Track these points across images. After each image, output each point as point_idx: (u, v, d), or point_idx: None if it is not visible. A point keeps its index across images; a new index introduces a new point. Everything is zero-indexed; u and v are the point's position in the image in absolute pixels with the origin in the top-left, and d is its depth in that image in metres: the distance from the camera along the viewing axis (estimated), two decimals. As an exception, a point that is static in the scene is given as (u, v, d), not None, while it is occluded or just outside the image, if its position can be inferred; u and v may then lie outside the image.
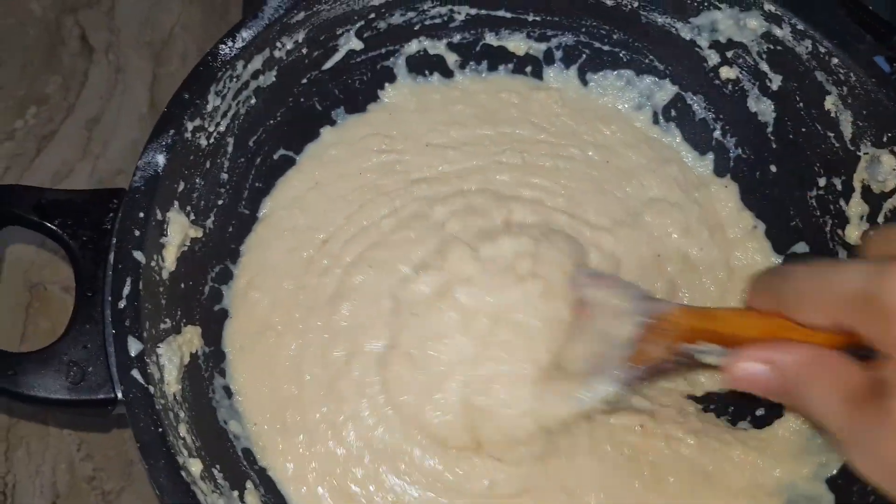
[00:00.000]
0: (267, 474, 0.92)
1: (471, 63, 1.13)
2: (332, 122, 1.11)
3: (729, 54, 1.05)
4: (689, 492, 0.94)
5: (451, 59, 1.12)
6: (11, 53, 1.46)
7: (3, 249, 1.28)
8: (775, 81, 1.02)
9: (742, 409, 1.02)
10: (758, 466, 0.95)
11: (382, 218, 1.05)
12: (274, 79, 0.99)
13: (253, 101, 0.97)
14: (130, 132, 1.42)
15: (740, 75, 1.05)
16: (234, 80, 0.93)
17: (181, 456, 0.78)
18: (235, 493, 0.86)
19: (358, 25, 1.03)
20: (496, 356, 0.92)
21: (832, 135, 0.98)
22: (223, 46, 0.92)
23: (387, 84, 1.12)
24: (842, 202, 0.99)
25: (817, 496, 0.92)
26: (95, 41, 1.49)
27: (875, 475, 0.65)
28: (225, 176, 0.98)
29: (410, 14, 1.05)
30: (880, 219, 0.95)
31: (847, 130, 0.96)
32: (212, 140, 0.93)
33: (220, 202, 0.98)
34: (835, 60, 0.94)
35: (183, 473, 0.77)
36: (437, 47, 1.11)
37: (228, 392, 0.95)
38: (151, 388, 0.79)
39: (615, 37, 1.09)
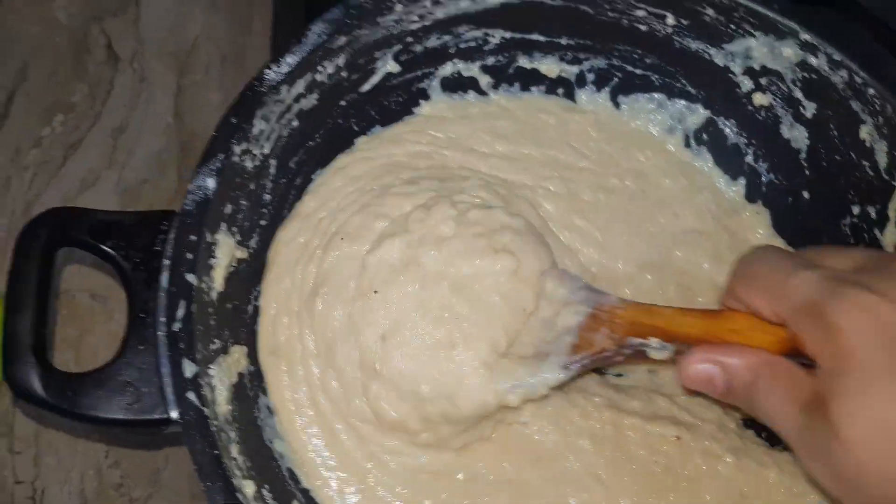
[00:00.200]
0: (310, 495, 0.93)
1: (503, 84, 1.14)
2: (366, 136, 1.11)
3: (763, 81, 1.06)
4: None
5: (485, 80, 1.13)
6: (38, 62, 1.47)
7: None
8: (809, 109, 1.03)
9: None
10: (792, 492, 0.96)
11: (396, 184, 1.04)
12: (315, 101, 1.00)
13: (295, 123, 0.99)
14: (155, 141, 1.43)
15: (774, 102, 1.06)
16: (279, 103, 0.95)
17: (236, 478, 0.80)
18: (283, 514, 0.88)
19: (395, 49, 1.04)
20: (450, 331, 0.91)
21: (867, 164, 0.99)
22: (268, 71, 0.93)
23: (422, 101, 1.13)
24: (876, 231, 1.00)
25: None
26: (121, 50, 1.50)
27: (825, 481, 0.69)
28: (268, 197, 0.99)
29: (446, 37, 1.06)
30: (915, 249, 0.97)
31: (882, 160, 0.97)
32: (257, 162, 0.95)
33: (262, 222, 0.99)
34: (871, 91, 0.95)
35: (239, 496, 0.79)
36: (471, 69, 1.12)
37: (271, 411, 0.96)
38: (206, 410, 0.81)
39: (648, 61, 1.10)
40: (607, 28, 1.08)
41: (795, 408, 0.70)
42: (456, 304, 0.92)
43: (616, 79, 1.14)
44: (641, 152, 1.14)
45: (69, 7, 1.52)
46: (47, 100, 1.44)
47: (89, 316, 1.31)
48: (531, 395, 0.90)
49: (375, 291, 0.95)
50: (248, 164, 0.94)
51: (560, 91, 1.16)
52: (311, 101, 1.00)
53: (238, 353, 0.92)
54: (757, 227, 1.12)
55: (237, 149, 0.91)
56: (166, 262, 0.85)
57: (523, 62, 1.13)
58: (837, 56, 0.97)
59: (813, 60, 0.99)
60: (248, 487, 0.82)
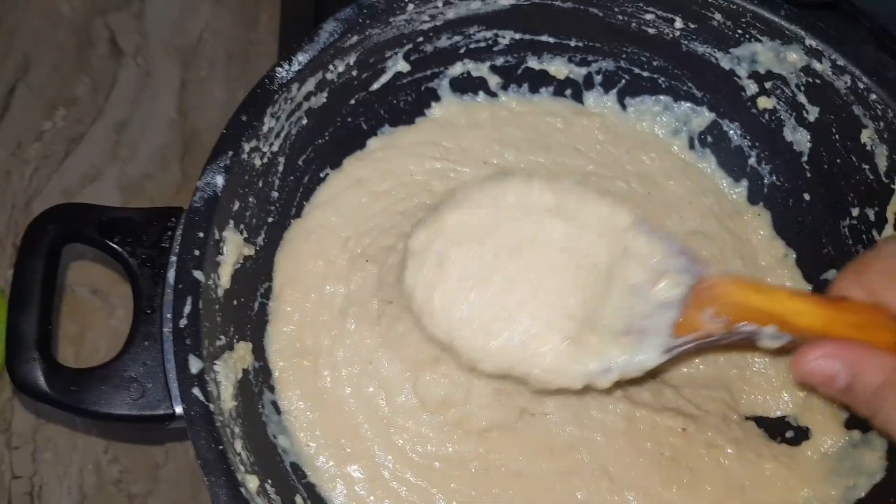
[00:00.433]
0: (315, 490, 0.94)
1: (512, 85, 1.15)
2: (377, 137, 1.12)
3: (767, 85, 1.07)
4: (723, 501, 0.96)
5: (494, 81, 1.14)
6: (42, 55, 1.47)
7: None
8: (812, 113, 1.04)
9: (779, 425, 1.04)
10: (788, 485, 0.98)
11: (419, 208, 1.06)
12: (325, 100, 1.00)
13: (304, 121, 0.99)
14: (158, 137, 1.43)
15: (777, 106, 1.07)
16: (289, 101, 0.95)
17: (239, 472, 0.80)
18: (286, 509, 0.88)
19: (406, 48, 1.05)
20: (524, 303, 0.85)
21: (867, 167, 1.00)
22: (280, 69, 0.93)
23: (433, 102, 1.13)
24: (874, 232, 1.01)
25: (846, 519, 0.95)
26: (125, 44, 1.50)
27: None
28: (275, 194, 0.99)
29: (457, 38, 1.07)
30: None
31: (882, 164, 0.98)
32: (265, 160, 0.95)
33: (269, 220, 0.99)
34: (873, 96, 0.96)
35: (242, 490, 0.78)
36: (481, 69, 1.12)
37: (276, 407, 0.96)
38: (211, 406, 0.80)
39: (655, 63, 1.11)
40: (616, 30, 1.09)
41: None
42: (517, 271, 0.86)
43: (623, 81, 1.15)
44: (646, 154, 1.15)
45: (73, 0, 1.52)
46: (49, 93, 1.44)
47: (90, 311, 1.30)
48: (624, 377, 0.85)
49: (390, 302, 0.99)
50: (257, 162, 0.94)
51: (568, 93, 1.17)
52: (320, 99, 1.00)
53: (243, 350, 0.92)
54: (758, 228, 1.13)
55: (246, 146, 0.91)
56: (174, 258, 0.85)
57: (532, 63, 1.14)
58: (841, 61, 0.98)
59: (817, 65, 1.00)
60: (252, 482, 0.82)
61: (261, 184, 0.96)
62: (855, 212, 1.03)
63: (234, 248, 0.91)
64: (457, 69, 1.11)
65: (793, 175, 1.10)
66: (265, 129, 0.93)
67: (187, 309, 0.83)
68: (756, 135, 1.12)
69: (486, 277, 0.86)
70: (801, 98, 1.04)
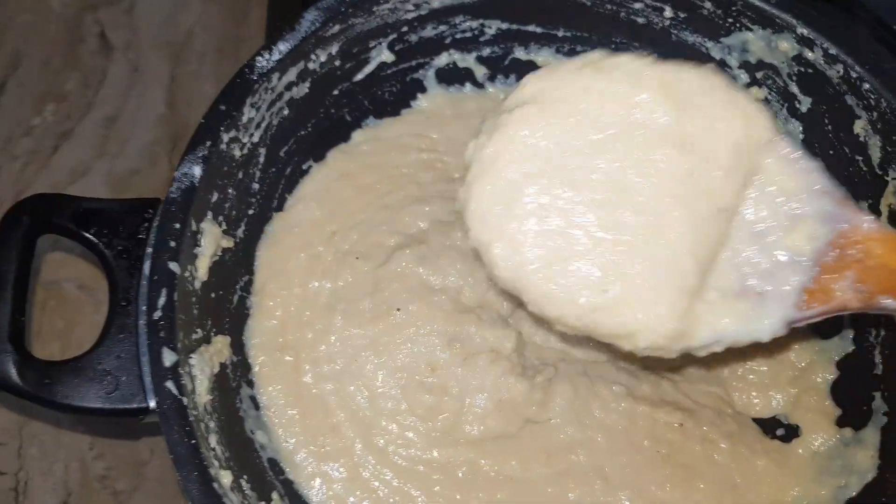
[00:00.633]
0: (293, 487, 0.93)
1: (499, 76, 1.14)
2: (362, 129, 1.12)
3: (759, 75, 1.05)
4: (713, 499, 0.95)
5: (480, 72, 1.13)
6: (31, 50, 1.46)
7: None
8: (805, 104, 1.03)
9: (770, 422, 1.03)
10: (778, 483, 0.96)
11: (406, 202, 1.06)
12: (307, 90, 0.99)
13: (286, 112, 0.98)
14: (148, 132, 1.42)
15: (769, 96, 1.06)
16: (269, 91, 0.94)
17: (213, 467, 0.79)
18: (262, 504, 0.87)
19: (390, 38, 1.04)
20: (621, 247, 0.71)
21: (860, 158, 0.98)
22: (260, 59, 0.92)
23: (418, 93, 1.12)
24: (868, 225, 0.99)
25: (837, 519, 0.94)
26: (115, 39, 1.48)
27: None
28: (256, 186, 0.98)
29: (442, 27, 1.06)
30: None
31: (875, 155, 0.96)
32: (245, 151, 0.94)
33: (250, 212, 0.98)
34: (866, 86, 0.94)
35: (215, 485, 0.77)
36: (467, 60, 1.11)
37: (255, 402, 0.95)
38: (185, 400, 0.79)
39: (645, 54, 1.09)
40: (605, 20, 1.07)
41: None
42: (624, 215, 0.71)
43: (612, 72, 1.13)
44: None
45: (64, -5, 1.51)
46: (39, 88, 1.43)
47: (76, 306, 1.29)
48: (732, 346, 0.73)
49: (398, 309, 0.98)
50: (237, 153, 0.93)
51: (556, 84, 1.14)
52: (302, 89, 0.99)
53: (221, 344, 0.91)
54: None
55: (225, 136, 0.90)
56: (150, 250, 0.84)
57: (519, 54, 1.13)
58: (833, 51, 0.96)
59: (809, 55, 0.98)
60: (226, 477, 0.81)
61: (241, 175, 0.95)
62: (848, 204, 1.01)
63: (212, 239, 0.90)
64: (442, 60, 1.10)
65: (785, 167, 1.08)
66: (245, 119, 0.92)
67: (162, 301, 0.82)
68: (747, 126, 1.10)
69: (575, 211, 0.71)
70: (794, 88, 1.03)
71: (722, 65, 1.06)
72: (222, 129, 0.89)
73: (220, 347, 0.90)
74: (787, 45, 1.00)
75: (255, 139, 0.95)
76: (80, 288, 1.30)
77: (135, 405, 0.81)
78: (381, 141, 1.10)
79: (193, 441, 0.78)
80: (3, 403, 1.21)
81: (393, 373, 0.98)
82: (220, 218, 0.92)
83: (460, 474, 0.95)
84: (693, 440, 0.97)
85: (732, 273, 0.70)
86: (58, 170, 1.38)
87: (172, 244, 0.84)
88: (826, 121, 1.01)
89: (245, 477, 0.85)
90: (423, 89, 1.12)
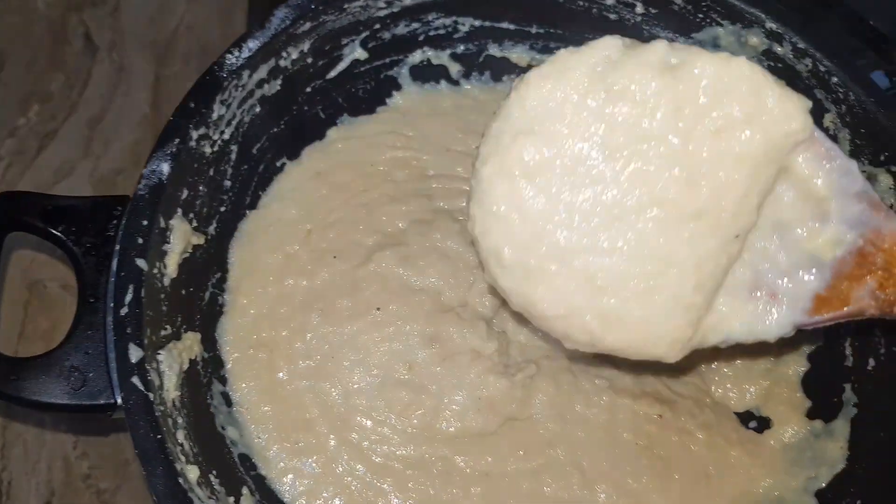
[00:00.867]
0: (265, 483, 0.93)
1: (474, 73, 1.14)
2: (337, 126, 1.12)
3: (730, 70, 1.05)
4: (689, 491, 0.95)
5: (455, 69, 1.13)
6: (16, 51, 1.46)
7: (8, 255, 1.28)
8: (774, 98, 1.02)
9: (743, 415, 1.03)
10: (750, 474, 0.97)
11: (383, 201, 1.06)
12: (279, 87, 0.99)
13: (257, 109, 0.98)
14: (132, 132, 1.42)
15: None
16: (240, 89, 0.94)
17: (179, 462, 0.79)
18: (231, 499, 0.87)
19: (363, 36, 1.04)
20: (628, 248, 0.69)
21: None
22: (229, 56, 0.92)
23: (393, 91, 1.13)
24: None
25: (806, 510, 0.94)
26: (99, 40, 1.49)
27: None
28: (228, 183, 0.99)
29: (415, 25, 1.06)
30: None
31: (845, 148, 0.96)
32: (216, 148, 0.94)
33: (222, 209, 0.99)
34: (834, 79, 0.95)
35: (180, 480, 0.78)
36: (441, 57, 1.11)
37: (227, 398, 0.95)
38: (151, 395, 0.80)
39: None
40: (577, 16, 1.07)
41: None
42: (622, 203, 0.69)
43: (586, 68, 1.13)
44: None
45: (49, -3, 1.52)
46: (24, 89, 1.44)
47: (61, 307, 1.29)
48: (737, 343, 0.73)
49: (378, 309, 0.99)
50: (207, 150, 0.93)
51: (531, 81, 1.15)
52: (274, 86, 0.99)
53: (191, 340, 0.91)
54: None
55: (195, 134, 0.90)
56: (117, 247, 0.84)
57: (494, 51, 1.13)
58: (802, 44, 0.96)
59: (778, 49, 0.98)
60: (192, 472, 0.81)
61: (212, 172, 0.95)
62: (819, 198, 1.01)
63: (181, 236, 0.90)
64: (416, 57, 1.11)
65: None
66: (215, 116, 0.92)
67: (129, 297, 0.82)
68: (721, 122, 1.10)
69: (578, 209, 0.69)
70: (764, 83, 1.02)
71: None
72: (191, 126, 0.89)
73: (190, 344, 0.91)
74: (756, 41, 1.00)
75: (227, 136, 0.95)
76: (64, 288, 1.30)
77: (102, 401, 0.81)
78: (356, 139, 1.10)
79: (159, 436, 0.78)
80: (-15, 404, 1.22)
81: (370, 370, 0.98)
82: (191, 215, 0.92)
83: (435, 470, 0.95)
84: (671, 431, 0.98)
85: (747, 270, 0.70)
86: (42, 170, 1.38)
87: (140, 241, 0.84)
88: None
89: (214, 472, 0.86)
90: (398, 87, 1.12)
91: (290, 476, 0.94)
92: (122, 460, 1.21)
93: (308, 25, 0.97)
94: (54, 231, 0.87)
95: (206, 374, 0.93)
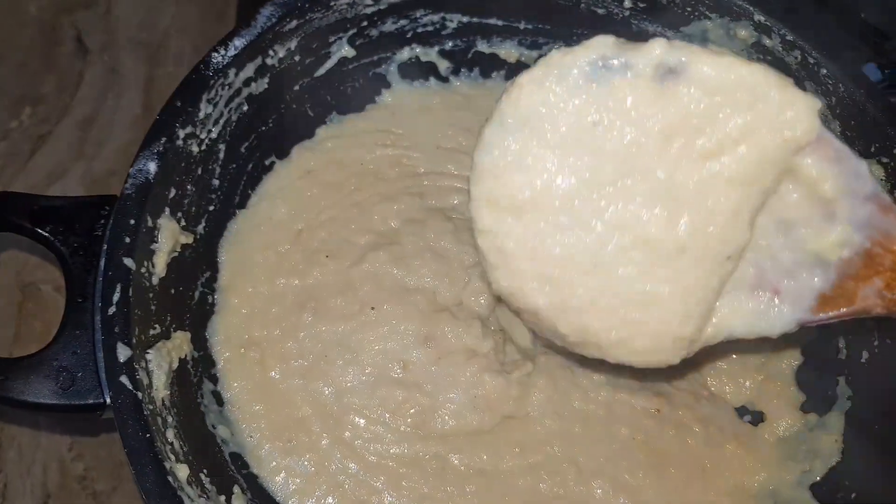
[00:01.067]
0: (257, 481, 0.93)
1: (463, 70, 1.14)
2: (326, 125, 1.12)
3: (719, 64, 1.04)
4: (683, 485, 0.95)
5: (443, 65, 1.13)
6: (8, 54, 1.46)
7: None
8: (765, 91, 1.02)
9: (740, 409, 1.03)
10: (745, 467, 0.97)
11: (374, 200, 1.06)
12: (266, 86, 0.99)
13: (245, 108, 0.98)
14: (124, 134, 1.42)
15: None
16: (226, 87, 0.94)
17: (168, 461, 0.79)
18: (223, 498, 0.87)
19: (350, 33, 1.04)
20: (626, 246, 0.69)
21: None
22: (215, 55, 0.92)
23: (382, 89, 1.12)
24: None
25: (801, 503, 0.94)
26: (91, 42, 1.49)
27: None
28: (216, 182, 0.98)
29: (403, 22, 1.06)
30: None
31: (836, 140, 0.96)
32: (203, 147, 0.94)
33: (211, 208, 0.98)
34: (823, 71, 0.95)
35: (170, 478, 0.78)
36: (429, 54, 1.11)
37: (218, 397, 0.95)
38: (140, 394, 0.80)
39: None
40: (565, 11, 1.07)
41: None
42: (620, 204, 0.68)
43: (575, 64, 1.12)
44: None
45: (40, -1, 1.52)
46: (16, 92, 1.44)
47: (54, 309, 1.29)
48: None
49: (372, 308, 0.99)
50: (194, 148, 0.93)
51: (520, 77, 1.15)
52: (261, 85, 0.99)
53: (181, 339, 0.91)
54: None
55: (181, 132, 0.90)
56: (105, 246, 0.84)
57: (482, 47, 1.13)
58: (790, 36, 0.96)
59: (767, 41, 0.98)
60: (182, 471, 0.81)
61: (200, 171, 0.95)
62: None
63: (169, 235, 0.90)
64: (405, 54, 1.11)
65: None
66: (202, 114, 0.92)
67: (116, 297, 0.82)
68: (711, 115, 1.10)
69: (574, 206, 0.68)
70: (754, 76, 1.02)
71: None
72: (178, 125, 0.89)
73: (179, 343, 0.90)
74: (745, 33, 1.00)
75: (214, 135, 0.95)
76: (58, 290, 1.30)
77: (91, 400, 0.81)
78: (346, 137, 1.10)
79: (148, 435, 0.78)
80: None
81: (363, 369, 0.98)
82: (179, 214, 0.92)
83: (429, 469, 0.95)
84: (668, 425, 0.98)
85: (751, 268, 0.69)
86: (35, 172, 1.38)
87: (128, 240, 0.84)
88: (786, 107, 1.01)
89: (205, 471, 0.86)
90: (387, 84, 1.12)
91: (282, 475, 0.94)
92: (118, 462, 1.21)
93: (295, 23, 0.97)
94: (42, 231, 0.87)
95: (197, 374, 0.93)
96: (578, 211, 0.67)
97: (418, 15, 1.06)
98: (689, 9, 1.01)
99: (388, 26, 1.06)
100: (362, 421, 0.96)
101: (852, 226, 0.64)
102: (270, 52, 0.97)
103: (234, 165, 1.01)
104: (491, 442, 0.96)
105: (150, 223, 0.87)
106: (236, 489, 0.89)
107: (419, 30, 1.08)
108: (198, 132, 0.92)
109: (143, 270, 0.85)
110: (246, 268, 1.02)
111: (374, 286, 1.00)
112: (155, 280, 0.88)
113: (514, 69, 1.14)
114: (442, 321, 0.99)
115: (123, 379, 0.79)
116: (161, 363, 0.85)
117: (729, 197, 0.64)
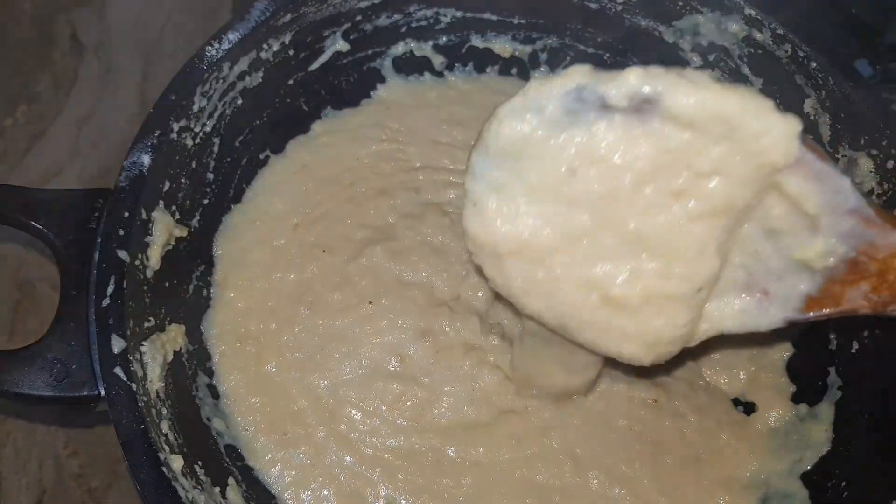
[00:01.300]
0: (252, 473, 0.93)
1: (457, 64, 1.14)
2: (322, 120, 1.12)
3: (711, 57, 1.05)
4: (677, 474, 0.96)
5: (438, 60, 1.13)
6: (3, 51, 1.46)
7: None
8: (756, 84, 1.03)
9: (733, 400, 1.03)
10: (738, 456, 0.97)
11: (370, 195, 1.06)
12: (260, 80, 1.00)
13: (239, 101, 0.98)
14: (120, 131, 1.42)
15: (722, 78, 1.05)
16: (221, 81, 0.94)
17: (163, 452, 0.79)
18: (217, 490, 0.87)
19: (344, 27, 1.04)
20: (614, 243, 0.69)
21: (810, 137, 0.98)
22: (209, 48, 0.93)
23: (377, 83, 1.13)
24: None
25: (792, 493, 0.94)
26: (86, 40, 1.49)
27: None
28: (211, 175, 0.99)
29: (397, 16, 1.06)
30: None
31: (825, 133, 0.96)
32: (198, 140, 0.94)
33: (205, 201, 0.99)
34: (813, 64, 0.95)
35: (164, 469, 0.78)
36: (424, 49, 1.12)
37: (213, 390, 0.95)
38: (134, 386, 0.80)
39: (599, 39, 1.10)
40: (558, 6, 1.08)
41: None
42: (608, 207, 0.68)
43: (569, 58, 1.13)
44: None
45: (35, -3, 1.52)
46: (11, 90, 1.44)
47: (50, 306, 1.28)
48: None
49: (370, 302, 0.99)
50: (189, 142, 0.93)
51: (514, 71, 1.16)
52: (256, 79, 0.99)
53: (175, 332, 0.91)
54: None
55: (175, 126, 0.91)
56: (99, 239, 0.84)
57: (476, 42, 1.13)
58: (781, 30, 0.97)
59: (758, 35, 0.99)
60: (176, 462, 0.81)
61: (194, 164, 0.95)
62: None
63: (163, 228, 0.90)
64: (399, 49, 1.11)
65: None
66: (196, 108, 0.93)
67: (111, 289, 0.82)
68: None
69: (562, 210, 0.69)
70: (745, 70, 1.03)
71: (675, 48, 1.07)
72: (171, 118, 0.90)
73: (174, 336, 0.91)
74: (736, 27, 1.00)
75: (208, 128, 0.95)
76: (54, 288, 1.29)
77: (85, 392, 0.81)
78: (341, 132, 1.11)
79: (143, 426, 0.78)
80: (-24, 403, 1.22)
81: (360, 362, 0.98)
82: (173, 207, 0.92)
83: (425, 461, 0.95)
84: (665, 415, 0.98)
85: (741, 271, 0.70)
86: (30, 170, 1.38)
87: (121, 232, 0.84)
88: (777, 100, 0.99)
89: (199, 463, 0.86)
90: (382, 79, 1.12)
91: (277, 467, 0.94)
92: (113, 459, 1.21)
93: (288, 17, 0.97)
94: (36, 224, 0.87)
95: (192, 366, 0.93)
96: (551, 267, 0.70)
97: (412, 9, 1.07)
98: (680, 3, 1.02)
99: (383, 21, 1.06)
100: (358, 414, 0.96)
101: (836, 237, 0.65)
102: (265, 46, 0.97)
103: (229, 159, 1.01)
104: (488, 434, 0.96)
105: (144, 216, 0.87)
106: (231, 481, 0.90)
107: (413, 24, 1.09)
108: (192, 125, 0.93)
109: (137, 263, 0.86)
110: (242, 262, 1.02)
111: (371, 281, 1.01)
112: (149, 273, 0.88)
113: (509, 64, 1.14)
114: (440, 316, 0.99)
115: (118, 371, 0.80)
116: (155, 355, 0.86)
117: (694, 233, 0.66)
